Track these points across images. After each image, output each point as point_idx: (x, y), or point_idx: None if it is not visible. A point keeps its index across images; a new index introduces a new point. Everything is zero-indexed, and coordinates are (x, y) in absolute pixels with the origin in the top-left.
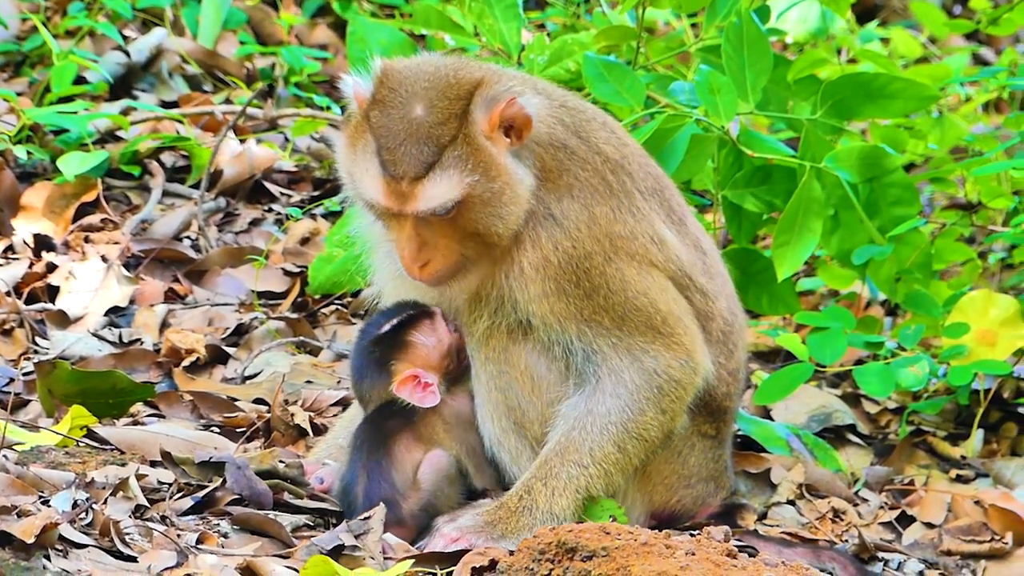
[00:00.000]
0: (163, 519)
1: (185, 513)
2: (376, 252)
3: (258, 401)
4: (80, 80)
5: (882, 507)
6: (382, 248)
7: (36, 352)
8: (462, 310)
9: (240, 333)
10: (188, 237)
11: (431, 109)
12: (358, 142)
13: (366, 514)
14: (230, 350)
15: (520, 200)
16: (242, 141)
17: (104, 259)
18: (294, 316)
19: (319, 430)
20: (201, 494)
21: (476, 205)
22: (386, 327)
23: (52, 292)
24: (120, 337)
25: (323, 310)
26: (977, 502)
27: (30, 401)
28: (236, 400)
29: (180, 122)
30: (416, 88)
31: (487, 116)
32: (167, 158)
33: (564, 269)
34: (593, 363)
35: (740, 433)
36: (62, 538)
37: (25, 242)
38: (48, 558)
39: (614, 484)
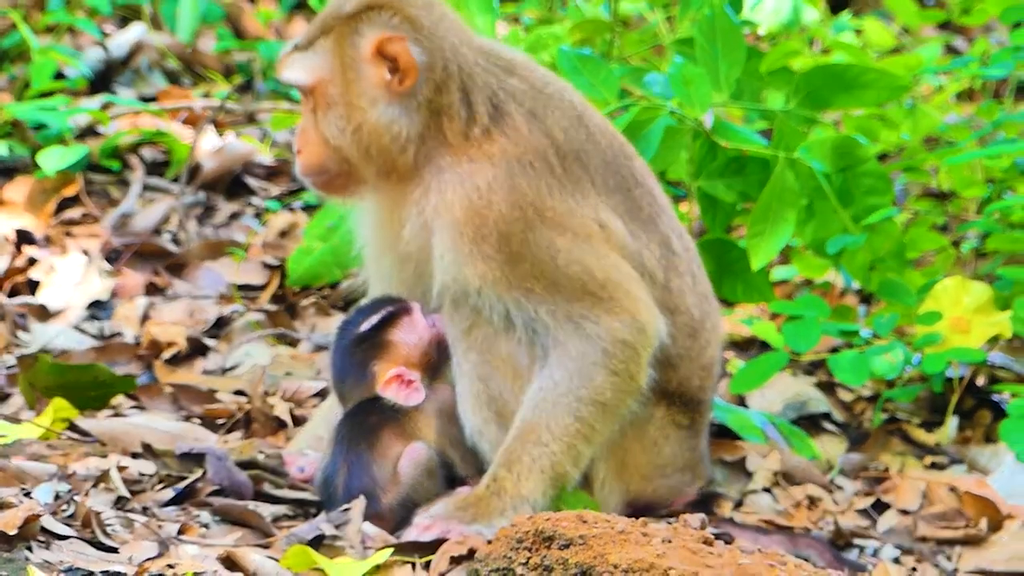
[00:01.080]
0: (144, 510)
1: (166, 504)
2: (362, 224)
3: (238, 393)
4: (59, 76)
5: (857, 494)
6: (366, 221)
7: (18, 345)
8: (444, 300)
9: (220, 325)
10: (168, 231)
11: (344, 4)
12: None
13: (346, 506)
14: (210, 342)
15: (366, 129)
16: (221, 135)
17: (85, 253)
18: (274, 308)
19: (299, 421)
20: (182, 485)
21: (322, 104)
22: (365, 326)
23: (33, 286)
24: (101, 330)
25: (302, 302)
26: (952, 489)
27: (11, 394)
28: (216, 392)
29: (159, 117)
30: None
31: (369, 39)
32: (147, 153)
33: (479, 230)
34: (540, 337)
35: (716, 421)
36: (44, 530)
37: (6, 237)
38: (30, 549)
39: (582, 457)
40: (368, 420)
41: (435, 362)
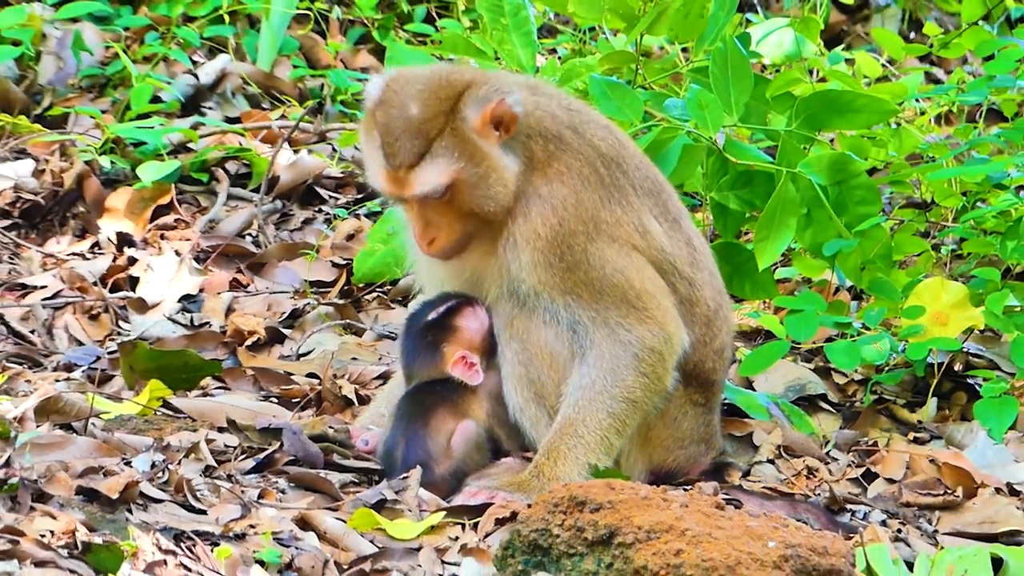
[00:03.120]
0: (229, 477)
1: (248, 472)
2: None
3: (310, 375)
4: (156, 99)
5: (849, 465)
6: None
7: (119, 334)
8: (488, 294)
9: (295, 317)
10: (249, 234)
11: (423, 107)
12: (368, 137)
13: (404, 475)
14: (286, 331)
15: (505, 181)
16: (296, 151)
17: (177, 253)
18: (341, 302)
19: (363, 400)
20: (262, 456)
21: (466, 188)
22: (434, 314)
23: (133, 282)
24: (191, 320)
25: (366, 297)
26: (932, 461)
27: (114, 376)
28: (291, 374)
29: (242, 135)
30: (412, 90)
31: (479, 114)
32: (231, 166)
33: (551, 243)
34: (579, 335)
35: (727, 401)
36: (142, 494)
37: (109, 239)
38: (130, 511)
39: (614, 449)
40: (426, 400)
41: (492, 347)
